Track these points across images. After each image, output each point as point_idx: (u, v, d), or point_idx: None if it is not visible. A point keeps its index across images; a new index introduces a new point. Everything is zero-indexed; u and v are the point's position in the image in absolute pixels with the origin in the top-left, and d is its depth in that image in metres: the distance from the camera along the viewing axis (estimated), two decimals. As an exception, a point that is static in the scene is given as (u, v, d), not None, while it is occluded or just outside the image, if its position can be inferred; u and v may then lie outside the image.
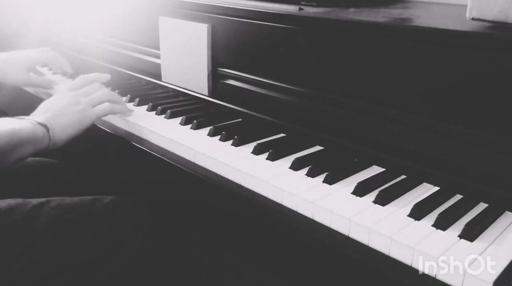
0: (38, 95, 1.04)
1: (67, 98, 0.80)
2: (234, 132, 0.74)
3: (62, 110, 0.77)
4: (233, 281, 0.88)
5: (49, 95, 0.98)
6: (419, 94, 0.62)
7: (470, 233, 0.50)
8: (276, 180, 0.61)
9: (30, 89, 1.08)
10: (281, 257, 0.63)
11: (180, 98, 0.96)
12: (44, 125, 0.74)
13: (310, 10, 0.77)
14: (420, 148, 0.62)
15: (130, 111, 0.87)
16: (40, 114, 0.76)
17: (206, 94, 0.90)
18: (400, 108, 0.63)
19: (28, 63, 1.00)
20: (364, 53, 0.66)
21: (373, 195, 0.57)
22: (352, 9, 0.80)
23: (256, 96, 0.81)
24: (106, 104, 0.82)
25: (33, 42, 1.30)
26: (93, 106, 0.81)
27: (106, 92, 0.84)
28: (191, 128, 0.80)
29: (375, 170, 0.66)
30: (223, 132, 0.75)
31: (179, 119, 0.83)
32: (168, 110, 0.85)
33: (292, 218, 0.57)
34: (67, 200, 0.76)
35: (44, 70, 1.18)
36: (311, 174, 0.63)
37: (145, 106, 0.90)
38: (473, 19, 0.60)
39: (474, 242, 0.49)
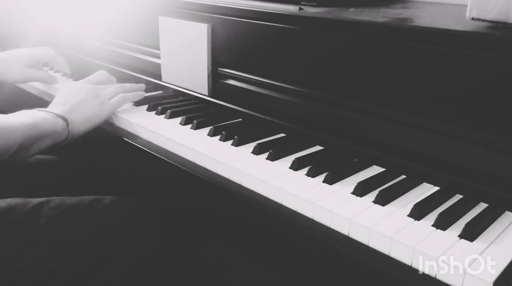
0: (41, 96, 1.04)
1: (86, 91, 0.81)
2: (234, 132, 0.74)
3: (81, 104, 0.79)
4: (232, 280, 0.88)
5: (52, 96, 0.98)
6: (419, 94, 0.62)
7: (470, 233, 0.50)
8: (276, 180, 0.61)
9: (34, 90, 1.08)
10: (281, 257, 0.63)
11: (180, 98, 0.96)
12: (64, 119, 0.75)
13: (310, 10, 0.77)
14: (420, 148, 0.62)
15: (141, 95, 0.90)
16: (59, 107, 0.77)
17: (206, 94, 0.90)
18: (400, 108, 0.63)
19: (26, 59, 1.00)
20: (364, 53, 0.66)
21: (373, 195, 0.57)
22: (352, 9, 0.80)
23: (256, 96, 0.81)
24: (120, 95, 0.84)
25: (33, 42, 1.30)
26: (110, 99, 0.83)
27: (120, 86, 0.87)
28: (191, 128, 0.80)
29: (375, 170, 0.66)
30: (223, 132, 0.75)
31: (179, 119, 0.83)
32: (168, 110, 0.85)
33: (292, 218, 0.57)
34: (67, 200, 0.76)
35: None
36: (311, 174, 0.63)
37: (145, 106, 0.90)
38: (473, 19, 0.60)
39: (474, 242, 0.49)
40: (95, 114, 0.79)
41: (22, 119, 0.70)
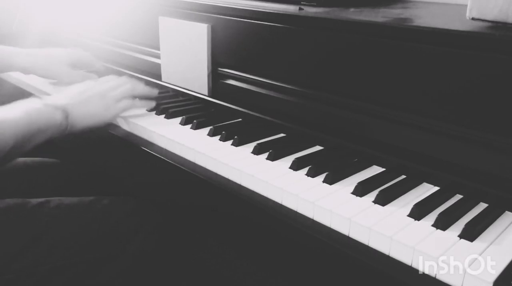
0: (41, 96, 1.04)
1: (96, 89, 0.81)
2: (234, 132, 0.74)
3: (88, 99, 0.78)
4: (232, 280, 0.88)
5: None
6: (419, 94, 0.62)
7: (470, 233, 0.50)
8: (276, 180, 0.61)
9: (34, 91, 1.07)
10: (281, 256, 0.63)
11: (180, 98, 0.96)
12: (64, 110, 0.74)
13: (310, 10, 0.77)
14: (420, 148, 0.62)
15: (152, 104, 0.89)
16: (63, 98, 0.77)
17: (206, 94, 0.90)
18: (400, 108, 0.63)
19: (69, 59, 1.00)
20: (364, 53, 0.66)
21: (373, 195, 0.57)
22: (352, 9, 0.80)
23: (256, 96, 0.81)
24: (127, 101, 0.83)
25: (33, 42, 1.30)
26: (117, 101, 0.82)
27: (130, 87, 0.85)
28: (191, 128, 0.80)
29: (375, 170, 0.66)
30: (223, 132, 0.75)
31: (179, 119, 0.83)
32: (168, 110, 0.85)
33: (292, 218, 0.57)
34: (67, 200, 0.76)
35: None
36: (311, 174, 0.63)
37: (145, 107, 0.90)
38: (473, 19, 0.60)
39: (474, 242, 0.49)
40: (99, 113, 0.78)
41: (15, 117, 0.67)
